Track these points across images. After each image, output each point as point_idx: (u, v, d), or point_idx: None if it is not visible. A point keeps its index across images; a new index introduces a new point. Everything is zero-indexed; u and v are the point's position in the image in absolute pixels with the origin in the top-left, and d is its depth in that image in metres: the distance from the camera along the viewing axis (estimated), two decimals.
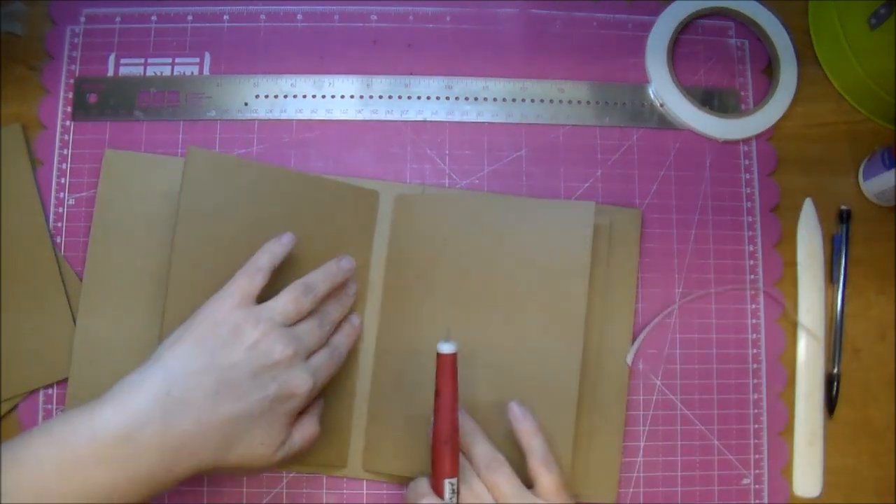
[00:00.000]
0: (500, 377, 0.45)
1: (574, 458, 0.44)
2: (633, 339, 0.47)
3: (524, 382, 0.45)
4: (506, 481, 0.39)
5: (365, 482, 0.46)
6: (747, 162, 0.51)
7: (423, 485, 0.40)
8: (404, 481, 0.45)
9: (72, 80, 0.49)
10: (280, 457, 0.38)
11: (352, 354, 0.45)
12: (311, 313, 0.41)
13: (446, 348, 0.39)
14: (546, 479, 0.40)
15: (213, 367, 0.36)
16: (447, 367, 0.39)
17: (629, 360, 0.47)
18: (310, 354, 0.40)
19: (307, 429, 0.40)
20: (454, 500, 0.39)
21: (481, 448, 0.41)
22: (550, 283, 0.46)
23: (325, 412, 0.43)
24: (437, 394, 0.39)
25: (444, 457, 0.39)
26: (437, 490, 0.39)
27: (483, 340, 0.45)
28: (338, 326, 0.44)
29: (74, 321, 0.46)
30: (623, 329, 0.47)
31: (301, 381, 0.38)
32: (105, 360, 0.45)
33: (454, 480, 0.39)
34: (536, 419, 0.42)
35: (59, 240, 0.47)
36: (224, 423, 0.36)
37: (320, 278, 0.42)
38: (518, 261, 0.46)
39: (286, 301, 0.40)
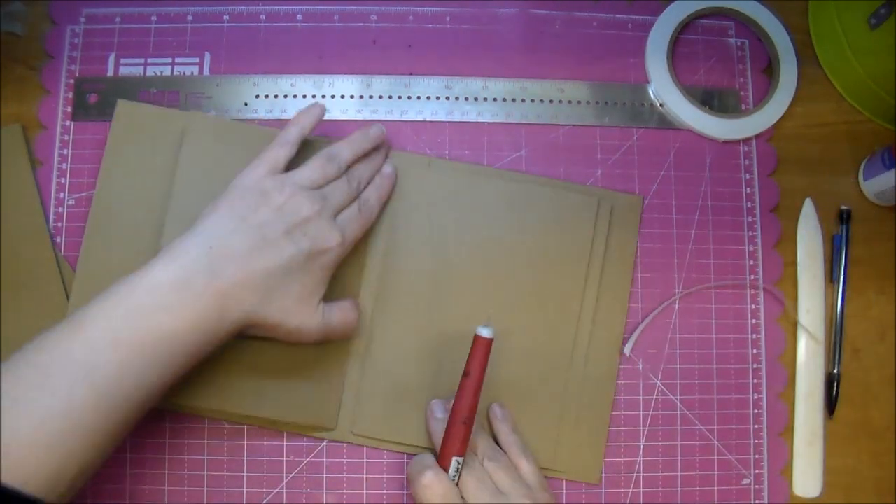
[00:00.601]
0: (499, 357, 0.45)
1: (561, 439, 0.46)
2: (633, 328, 0.47)
3: (523, 362, 0.46)
4: (505, 470, 0.41)
5: (364, 481, 0.46)
6: (747, 162, 0.51)
7: (428, 458, 0.41)
8: (389, 447, 0.46)
9: (72, 80, 0.49)
10: (318, 320, 0.41)
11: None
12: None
13: (485, 332, 0.40)
14: (526, 468, 0.43)
15: (246, 226, 0.39)
16: (482, 350, 0.40)
17: (628, 351, 0.47)
18: (340, 211, 0.42)
19: (346, 310, 0.43)
20: (457, 477, 0.40)
21: (485, 440, 0.43)
22: (552, 264, 0.47)
23: (319, 370, 0.45)
24: (466, 374, 0.40)
25: (457, 435, 0.40)
26: (444, 464, 0.40)
27: (479, 317, 0.45)
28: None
29: None
30: (617, 313, 0.48)
31: (330, 235, 0.40)
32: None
33: (461, 459, 0.40)
34: (513, 418, 0.45)
35: (59, 240, 0.47)
36: (263, 275, 0.38)
37: (345, 146, 0.44)
38: (519, 240, 0.47)
39: (312, 168, 0.42)
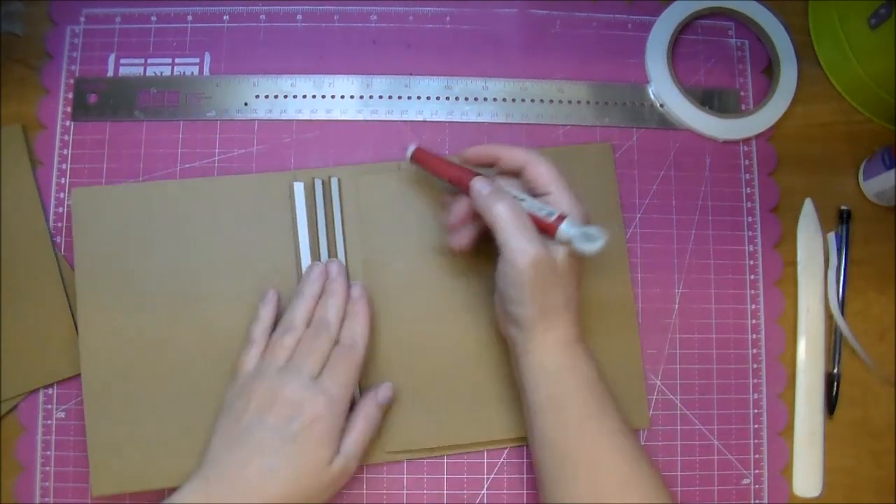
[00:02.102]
0: None
1: None
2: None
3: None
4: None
5: (365, 480, 0.46)
6: (747, 162, 0.51)
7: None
8: (421, 456, 0.46)
9: (72, 80, 0.49)
10: (339, 467, 0.41)
11: None
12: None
13: (411, 149, 0.44)
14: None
15: (234, 441, 0.40)
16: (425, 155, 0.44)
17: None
18: (321, 368, 0.42)
19: (356, 429, 0.42)
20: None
21: None
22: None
23: None
24: (448, 178, 0.43)
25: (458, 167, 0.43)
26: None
27: (481, 308, 0.46)
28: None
29: (74, 321, 0.46)
30: (618, 259, 0.48)
31: (311, 403, 0.40)
32: (113, 350, 0.45)
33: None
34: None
35: (59, 240, 0.47)
36: (263, 477, 0.39)
37: (297, 308, 0.44)
38: None
39: (274, 349, 0.42)
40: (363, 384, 0.45)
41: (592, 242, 0.38)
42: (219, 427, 0.41)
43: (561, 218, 0.39)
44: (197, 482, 0.39)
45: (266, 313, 0.44)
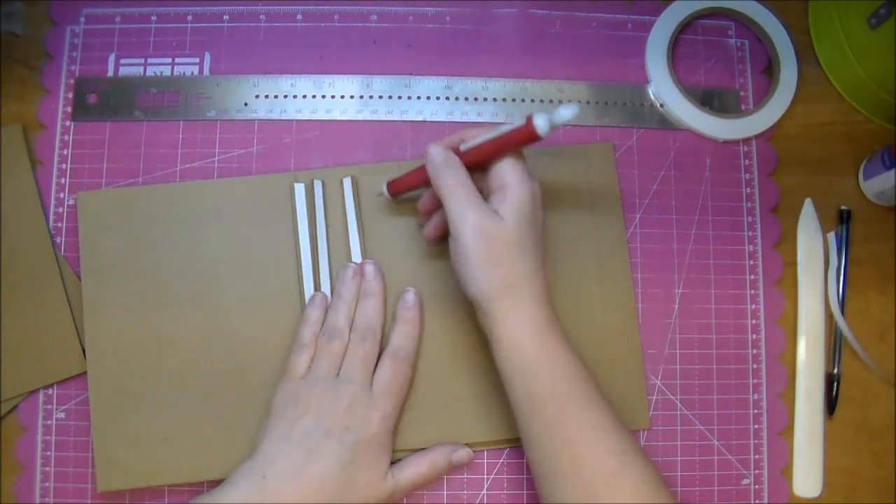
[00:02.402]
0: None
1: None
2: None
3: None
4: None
5: None
6: (747, 162, 0.51)
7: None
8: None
9: (72, 80, 0.49)
10: (388, 488, 0.41)
11: None
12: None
13: (384, 188, 0.45)
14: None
15: (290, 444, 0.40)
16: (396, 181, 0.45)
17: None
18: (372, 370, 0.43)
19: (417, 465, 0.43)
20: None
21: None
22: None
23: None
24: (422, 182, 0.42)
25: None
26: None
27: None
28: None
29: (74, 321, 0.46)
30: (618, 258, 0.48)
31: (369, 417, 0.41)
32: (119, 349, 0.45)
33: None
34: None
35: (59, 240, 0.47)
36: (318, 485, 0.39)
37: (338, 310, 0.44)
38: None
39: (323, 356, 0.43)
40: None
41: (570, 109, 0.36)
42: (271, 428, 0.41)
43: (528, 118, 0.37)
44: (253, 479, 0.39)
45: (315, 316, 0.44)
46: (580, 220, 0.48)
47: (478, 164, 0.40)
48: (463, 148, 0.40)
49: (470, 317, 0.46)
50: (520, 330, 0.39)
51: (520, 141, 0.38)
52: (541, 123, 0.36)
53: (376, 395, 0.42)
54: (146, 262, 0.46)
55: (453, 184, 0.38)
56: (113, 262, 0.46)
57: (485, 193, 0.40)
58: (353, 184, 0.47)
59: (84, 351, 0.45)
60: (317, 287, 0.46)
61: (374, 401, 0.42)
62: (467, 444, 0.45)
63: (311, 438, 0.40)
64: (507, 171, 0.39)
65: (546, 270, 0.41)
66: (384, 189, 0.46)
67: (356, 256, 0.47)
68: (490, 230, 0.38)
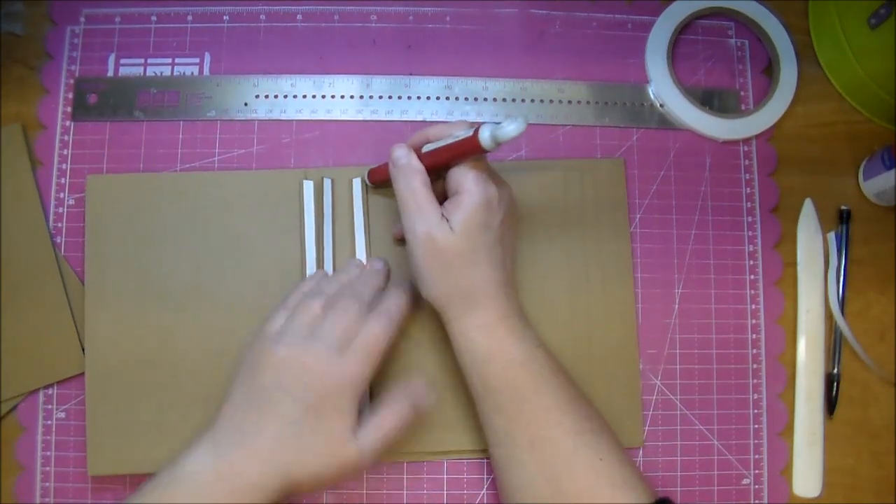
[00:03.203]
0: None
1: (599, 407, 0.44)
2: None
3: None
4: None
5: (365, 480, 0.46)
6: (747, 162, 0.51)
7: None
8: (414, 459, 0.46)
9: (72, 80, 0.49)
10: (353, 452, 0.37)
11: None
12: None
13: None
14: None
15: (248, 403, 0.38)
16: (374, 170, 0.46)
17: None
18: (349, 340, 0.38)
19: (380, 419, 0.39)
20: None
21: None
22: (551, 240, 0.47)
23: None
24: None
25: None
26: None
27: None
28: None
29: (74, 321, 0.46)
30: (622, 277, 0.48)
31: (332, 378, 0.37)
32: (117, 335, 0.45)
33: None
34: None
35: (59, 240, 0.47)
36: (274, 444, 0.37)
37: (332, 279, 0.43)
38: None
39: (300, 313, 0.40)
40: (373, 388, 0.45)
41: (514, 124, 0.35)
42: (234, 387, 0.39)
43: (476, 128, 0.37)
44: (206, 444, 0.37)
45: (308, 286, 0.42)
46: (584, 236, 0.48)
47: (438, 168, 0.40)
48: (424, 150, 0.40)
49: None
50: (472, 327, 0.40)
51: (467, 151, 0.38)
52: (485, 137, 0.36)
53: (348, 353, 0.38)
54: (150, 250, 0.46)
55: (406, 190, 0.39)
56: (117, 248, 0.46)
57: (448, 195, 0.40)
58: (362, 184, 0.47)
59: (83, 349, 0.45)
60: None
61: (343, 360, 0.37)
62: (466, 450, 0.45)
63: (267, 398, 0.37)
64: (461, 177, 0.39)
65: (510, 271, 0.42)
66: (365, 177, 0.47)
67: (361, 256, 0.47)
68: (437, 240, 0.38)
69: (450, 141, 0.39)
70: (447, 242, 0.38)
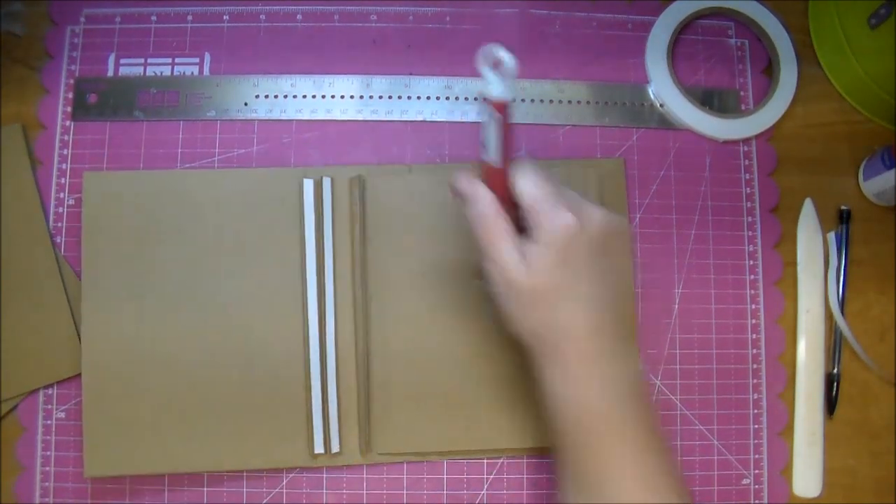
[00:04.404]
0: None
1: None
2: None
3: None
4: None
5: (365, 480, 0.46)
6: (747, 162, 0.51)
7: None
8: (413, 459, 0.46)
9: (72, 80, 0.49)
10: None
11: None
12: None
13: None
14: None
15: None
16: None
17: None
18: None
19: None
20: None
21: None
22: None
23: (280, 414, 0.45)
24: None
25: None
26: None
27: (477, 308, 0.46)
28: None
29: (74, 321, 0.46)
30: (625, 270, 0.48)
31: None
32: (114, 335, 0.45)
33: None
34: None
35: (59, 240, 0.47)
36: None
37: None
38: None
39: None
40: (370, 385, 0.45)
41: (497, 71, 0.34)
42: None
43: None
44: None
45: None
46: None
47: (503, 180, 0.36)
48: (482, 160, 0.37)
49: (476, 322, 0.46)
50: (550, 373, 0.36)
51: (501, 130, 0.35)
52: (496, 93, 0.35)
53: None
54: (147, 248, 0.46)
55: (475, 218, 0.36)
56: (114, 245, 0.46)
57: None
58: (360, 183, 0.47)
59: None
60: (319, 286, 0.46)
61: None
62: (465, 451, 0.45)
63: None
64: (529, 207, 0.35)
65: (612, 309, 0.36)
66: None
67: (359, 255, 0.47)
68: (512, 279, 0.35)
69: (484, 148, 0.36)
70: (522, 280, 0.35)
